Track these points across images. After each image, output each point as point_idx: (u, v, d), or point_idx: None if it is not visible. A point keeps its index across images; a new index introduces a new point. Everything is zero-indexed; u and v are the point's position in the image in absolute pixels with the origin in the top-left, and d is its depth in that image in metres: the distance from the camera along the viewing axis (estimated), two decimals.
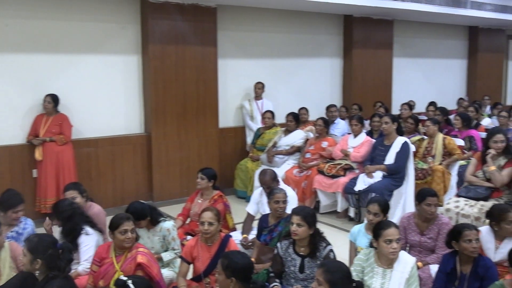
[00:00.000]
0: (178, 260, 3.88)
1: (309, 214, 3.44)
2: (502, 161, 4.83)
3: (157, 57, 6.58)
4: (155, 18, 6.49)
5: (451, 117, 7.64)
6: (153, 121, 6.67)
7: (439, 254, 3.82)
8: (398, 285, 3.16)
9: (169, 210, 6.16)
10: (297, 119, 6.99)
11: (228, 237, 3.74)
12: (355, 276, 3.17)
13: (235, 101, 7.65)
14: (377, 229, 3.25)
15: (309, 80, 8.47)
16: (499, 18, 9.68)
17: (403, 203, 5.77)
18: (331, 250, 3.46)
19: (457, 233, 3.34)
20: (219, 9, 7.11)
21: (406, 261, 3.24)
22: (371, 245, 3.36)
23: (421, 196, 3.93)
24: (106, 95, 6.48)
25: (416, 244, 3.97)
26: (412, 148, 5.97)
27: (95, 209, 4.22)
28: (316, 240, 3.45)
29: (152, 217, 3.93)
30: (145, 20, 6.53)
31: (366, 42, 8.74)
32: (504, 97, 11.89)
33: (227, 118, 7.56)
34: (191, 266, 3.73)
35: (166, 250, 3.99)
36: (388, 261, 3.22)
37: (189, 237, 4.53)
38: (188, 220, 4.91)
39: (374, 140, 6.26)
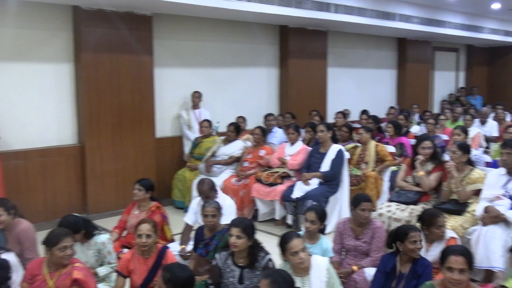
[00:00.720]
0: (114, 275, 3.78)
1: (248, 225, 3.45)
2: (429, 166, 5.07)
3: (91, 66, 6.41)
4: (88, 25, 6.32)
5: (383, 125, 7.93)
6: (87, 131, 6.47)
7: (373, 257, 3.95)
8: None
9: (104, 223, 5.98)
10: (238, 130, 7.03)
11: (165, 248, 3.68)
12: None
13: (172, 111, 7.58)
14: (282, 244, 3.29)
15: (246, 89, 8.54)
16: (425, 31, 10.17)
17: (339, 209, 5.92)
18: (270, 259, 3.48)
19: (402, 234, 3.47)
20: (155, 17, 7.04)
21: (319, 265, 3.31)
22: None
23: (356, 201, 4.06)
24: (36, 105, 6.23)
25: (352, 248, 4.08)
26: (347, 155, 6.15)
27: (23, 225, 4.02)
28: (255, 250, 3.46)
29: (86, 231, 3.81)
30: (77, 28, 6.34)
31: (301, 52, 8.92)
32: (431, 105, 12.49)
33: (164, 128, 7.46)
34: (128, 280, 3.64)
35: (101, 265, 3.87)
36: (302, 270, 3.28)
37: (125, 250, 4.42)
38: (125, 233, 4.79)
39: (310, 148, 6.39)
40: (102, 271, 3.82)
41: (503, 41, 12.82)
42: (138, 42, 6.77)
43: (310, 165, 6.10)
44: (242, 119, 7.80)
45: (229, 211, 4.55)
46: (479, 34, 11.68)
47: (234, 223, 3.48)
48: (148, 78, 6.94)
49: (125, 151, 6.80)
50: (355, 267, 3.90)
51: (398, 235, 3.51)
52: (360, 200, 4.04)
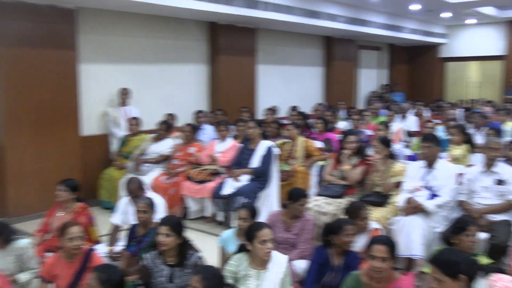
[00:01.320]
0: (36, 281, 3.61)
1: (176, 223, 3.41)
2: (355, 160, 5.25)
3: (9, 61, 6.07)
4: (5, 19, 5.97)
5: (311, 121, 8.11)
6: (6, 130, 6.13)
7: (301, 249, 4.04)
8: (273, 285, 3.25)
9: (26, 226, 5.71)
10: (168, 127, 6.93)
11: (91, 250, 3.56)
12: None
13: (99, 108, 7.33)
14: (251, 231, 3.30)
15: (176, 86, 8.44)
16: (350, 30, 10.50)
17: (268, 205, 5.99)
18: (200, 257, 3.46)
19: (337, 227, 3.57)
20: (80, 11, 6.79)
21: (279, 261, 3.35)
22: (240, 250, 3.43)
23: (295, 196, 4.16)
24: None
25: (282, 240, 4.14)
26: (276, 151, 6.24)
27: None
28: (185, 248, 3.43)
29: (4, 235, 3.61)
30: None
31: (231, 49, 8.94)
32: (356, 101, 12.93)
33: (90, 126, 7.21)
34: (52, 285, 3.49)
35: (22, 271, 3.69)
36: (262, 263, 3.30)
37: (49, 254, 4.23)
38: (48, 236, 4.58)
39: (240, 145, 6.42)
40: (22, 277, 3.63)
41: (422, 40, 13.50)
42: (60, 37, 6.49)
43: (240, 161, 6.13)
44: (171, 116, 7.70)
45: (158, 209, 4.48)
46: (400, 33, 12.23)
47: (162, 221, 3.44)
48: (71, 74, 6.67)
49: (47, 151, 6.51)
50: None
51: (333, 228, 3.60)
52: (300, 195, 4.16)
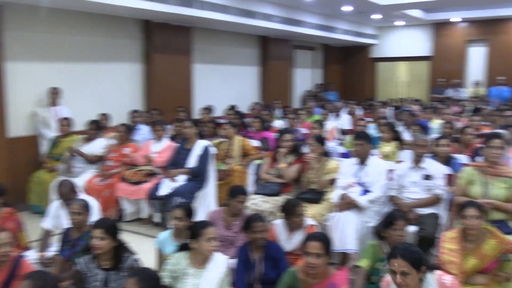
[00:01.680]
0: None
1: (111, 226, 3.34)
2: (291, 158, 5.34)
3: None
4: None
5: (248, 120, 8.16)
6: None
7: (238, 247, 4.07)
8: (211, 285, 3.25)
9: None
10: (99, 127, 6.73)
11: (20, 257, 3.40)
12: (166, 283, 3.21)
13: (27, 108, 7.00)
14: (197, 229, 3.30)
15: (110, 85, 8.22)
16: (285, 30, 10.65)
17: (206, 205, 5.97)
18: (136, 260, 3.41)
19: (247, 225, 3.66)
20: (6, 7, 6.46)
21: (219, 261, 3.36)
22: (180, 249, 3.41)
23: (233, 193, 4.20)
24: None
25: (221, 238, 4.15)
26: (213, 150, 6.22)
27: None
28: (120, 251, 3.36)
29: None
30: None
31: (166, 48, 8.82)
32: (292, 100, 13.14)
33: (18, 127, 6.88)
34: None
35: None
36: (202, 262, 3.30)
37: None
38: None
39: (176, 145, 6.36)
40: None
41: (354, 41, 13.92)
42: None
43: (176, 161, 6.07)
44: (105, 116, 7.49)
45: (92, 213, 4.35)
46: (333, 34, 12.54)
47: (96, 224, 3.34)
48: None
49: None
50: None
51: (244, 226, 3.69)
52: (238, 192, 4.21)
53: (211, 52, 10.40)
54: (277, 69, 12.18)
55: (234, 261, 3.82)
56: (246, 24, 9.45)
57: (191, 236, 3.33)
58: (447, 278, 2.95)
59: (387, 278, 3.04)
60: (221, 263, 3.35)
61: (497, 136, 4.28)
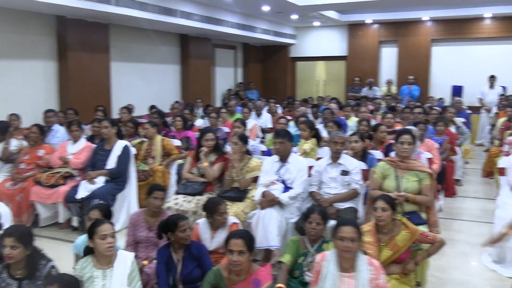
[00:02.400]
0: None
1: (24, 233, 3.16)
2: (213, 157, 5.34)
3: None
4: None
5: (168, 119, 8.05)
6: None
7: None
8: (120, 282, 3.19)
9: None
10: (4, 129, 6.33)
11: None
12: None
13: None
14: (91, 228, 3.22)
15: (20, 84, 7.78)
16: (206, 28, 10.62)
17: (127, 206, 5.84)
18: (53, 266, 3.25)
19: (172, 224, 3.60)
20: None
21: (125, 258, 3.30)
22: (86, 253, 3.31)
23: (149, 190, 4.16)
24: None
25: (144, 239, 4.10)
26: (133, 151, 6.09)
27: None
28: (35, 259, 3.20)
29: None
30: None
31: (82, 45, 8.48)
32: (214, 99, 13.14)
33: None
34: None
35: None
36: (107, 262, 3.22)
37: None
38: None
39: (94, 145, 6.15)
40: None
41: (273, 40, 14.15)
42: None
43: (95, 163, 5.87)
44: (15, 116, 7.07)
45: (4, 219, 4.10)
46: (253, 33, 12.68)
47: (7, 232, 3.15)
48: None
49: None
50: (145, 262, 3.90)
51: (169, 226, 3.63)
52: (153, 189, 4.16)
53: (130, 50, 10.16)
54: (198, 68, 12.12)
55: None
56: (165, 22, 9.32)
57: (89, 236, 3.25)
58: (375, 261, 3.15)
59: (323, 252, 3.26)
60: (126, 260, 3.29)
61: (406, 132, 4.52)
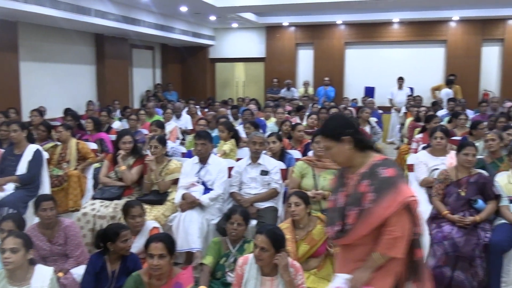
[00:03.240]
0: None
1: None
2: (131, 160, 5.22)
3: None
4: None
5: (83, 121, 7.76)
6: None
7: (75, 256, 3.86)
8: None
9: None
10: None
11: None
12: None
13: None
14: None
15: None
16: (122, 28, 10.34)
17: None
18: None
19: (113, 234, 3.46)
20: None
21: (43, 274, 3.16)
22: None
23: (36, 203, 3.94)
24: None
25: (49, 253, 3.88)
26: (46, 155, 5.80)
27: None
28: None
29: None
30: None
31: None
32: (132, 101, 12.83)
33: None
34: None
35: None
36: (21, 277, 3.07)
37: None
38: None
39: (2, 150, 5.79)
40: None
41: (192, 41, 14.05)
42: None
43: (3, 169, 5.51)
44: None
45: None
46: (171, 34, 12.52)
47: None
48: None
49: None
50: (60, 274, 3.73)
51: (108, 235, 3.50)
52: (40, 200, 3.94)
53: (41, 49, 9.68)
54: (115, 68, 11.78)
55: (80, 269, 3.63)
56: (78, 21, 8.96)
57: None
58: (296, 263, 3.25)
59: (245, 256, 3.30)
60: (44, 276, 3.15)
61: None
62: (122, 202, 4.78)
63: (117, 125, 8.58)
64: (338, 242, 2.59)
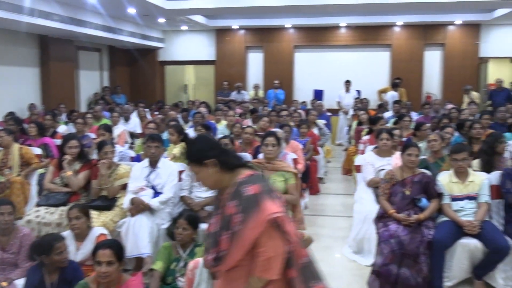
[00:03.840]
0: None
1: None
2: (77, 165, 5.09)
3: None
4: None
5: (26, 125, 7.49)
6: None
7: (23, 267, 3.73)
8: None
9: None
10: None
11: None
12: None
13: None
14: None
15: None
16: (67, 29, 10.04)
17: None
18: None
19: (47, 246, 3.32)
20: None
21: None
22: None
23: None
24: None
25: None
26: None
27: None
28: None
29: None
30: None
31: None
32: (79, 104, 12.49)
33: None
34: None
35: None
36: None
37: None
38: None
39: None
40: None
41: (141, 43, 13.83)
42: None
43: None
44: None
45: None
46: (119, 36, 12.28)
47: None
48: None
49: None
50: (4, 283, 3.59)
51: (43, 248, 3.35)
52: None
53: None
54: (60, 71, 11.43)
55: (21, 282, 3.50)
56: (21, 22, 8.63)
57: None
58: None
59: (196, 260, 3.31)
60: None
61: (271, 134, 4.73)
62: (67, 208, 4.65)
63: (63, 129, 8.33)
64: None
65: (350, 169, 8.29)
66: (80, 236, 3.90)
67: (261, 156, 5.06)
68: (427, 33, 13.78)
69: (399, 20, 13.27)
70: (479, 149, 5.38)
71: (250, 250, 2.25)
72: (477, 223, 4.23)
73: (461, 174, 4.51)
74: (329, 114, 11.37)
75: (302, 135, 7.65)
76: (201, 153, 2.39)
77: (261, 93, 13.86)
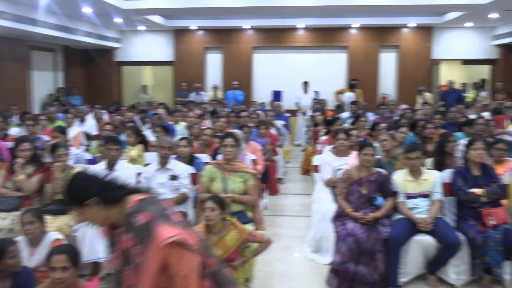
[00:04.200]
0: None
1: None
2: (30, 169, 4.94)
3: None
4: None
5: None
6: None
7: None
8: None
9: None
10: None
11: None
12: None
13: None
14: None
15: None
16: (19, 28, 9.74)
17: None
18: None
19: (0, 251, 3.22)
20: None
21: None
22: None
23: None
24: None
25: None
26: None
27: None
28: None
29: None
30: None
31: None
32: (32, 106, 12.12)
33: None
34: None
35: None
36: None
37: None
38: None
39: None
40: None
41: (97, 44, 13.55)
42: None
43: None
44: None
45: None
46: (74, 36, 11.99)
47: None
48: None
49: None
50: None
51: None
52: None
53: None
54: (11, 71, 11.06)
55: None
56: None
57: None
58: None
59: None
60: None
61: (229, 135, 4.73)
62: (20, 213, 4.51)
63: (14, 131, 8.06)
64: None
65: (308, 169, 8.38)
66: (34, 242, 3.78)
67: (220, 157, 5.06)
68: (382, 35, 14.11)
69: (356, 22, 13.53)
70: (432, 148, 5.55)
71: (164, 274, 2.14)
72: (430, 220, 4.37)
73: (415, 172, 4.64)
74: (287, 114, 11.48)
75: (261, 136, 7.69)
76: (80, 195, 2.21)
77: (220, 94, 13.85)
